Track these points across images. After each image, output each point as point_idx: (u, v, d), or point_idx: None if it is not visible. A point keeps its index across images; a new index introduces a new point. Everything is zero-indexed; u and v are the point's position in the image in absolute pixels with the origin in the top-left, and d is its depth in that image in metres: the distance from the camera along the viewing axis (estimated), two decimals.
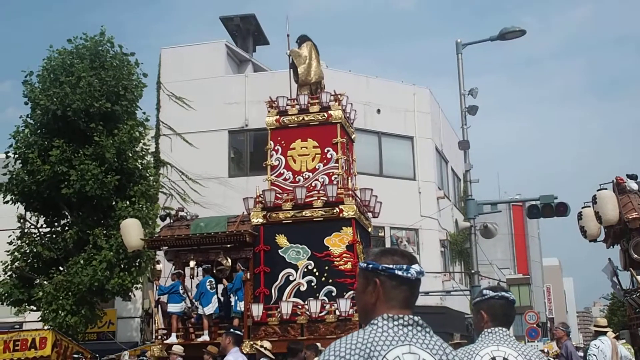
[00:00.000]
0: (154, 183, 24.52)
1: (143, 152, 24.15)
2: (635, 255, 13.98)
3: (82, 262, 21.41)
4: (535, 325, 36.09)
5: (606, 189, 14.91)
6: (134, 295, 24.41)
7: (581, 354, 17.10)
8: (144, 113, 25.02)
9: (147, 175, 24.10)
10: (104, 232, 21.98)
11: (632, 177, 14.88)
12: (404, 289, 2.64)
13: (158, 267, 16.65)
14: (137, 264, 22.44)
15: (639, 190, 14.55)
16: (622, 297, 16.27)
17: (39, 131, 22.87)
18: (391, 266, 2.63)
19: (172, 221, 16.36)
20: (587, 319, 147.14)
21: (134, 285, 22.78)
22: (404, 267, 2.62)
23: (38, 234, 23.29)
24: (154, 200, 24.21)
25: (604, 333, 13.30)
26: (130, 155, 23.16)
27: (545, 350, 33.50)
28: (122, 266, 21.96)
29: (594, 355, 12.80)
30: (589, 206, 15.14)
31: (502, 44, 21.22)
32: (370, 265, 2.66)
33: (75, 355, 18.86)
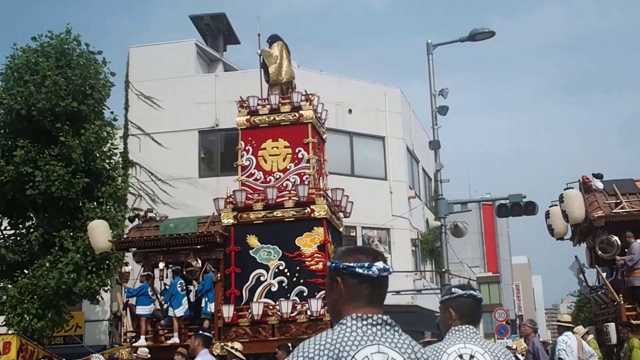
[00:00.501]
0: (123, 184, 24.21)
1: (111, 153, 23.81)
2: (601, 253, 14.18)
3: (48, 264, 21.06)
4: (504, 323, 36.44)
5: (573, 188, 15.12)
6: (102, 298, 24.08)
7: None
8: (112, 113, 24.69)
9: (115, 175, 23.78)
10: (71, 234, 21.63)
11: (598, 176, 15.12)
12: (367, 286, 2.61)
13: (126, 269, 16.45)
14: (105, 266, 22.12)
15: (605, 189, 14.76)
16: (588, 293, 16.47)
17: (2, 131, 22.45)
18: (352, 264, 2.61)
19: (141, 222, 16.18)
20: (555, 315, 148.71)
21: (102, 288, 22.48)
22: (366, 264, 2.60)
23: (2, 237, 22.87)
24: (122, 201, 23.90)
25: (569, 329, 13.51)
26: (98, 155, 22.82)
27: (514, 347, 33.79)
28: (90, 268, 21.65)
29: (563, 350, 12.92)
30: (556, 205, 15.33)
31: (473, 43, 21.26)
32: (333, 265, 2.66)
33: None
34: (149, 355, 14.27)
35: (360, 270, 2.59)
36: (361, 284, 2.61)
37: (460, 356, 3.66)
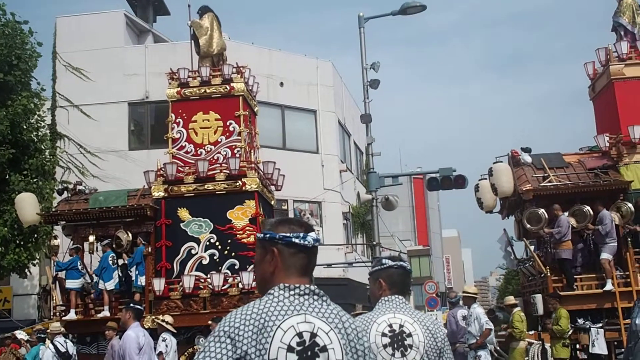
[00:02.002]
0: (51, 156, 23.73)
1: (38, 124, 23.28)
2: (529, 226, 14.51)
3: None
4: (434, 295, 37.12)
5: (502, 162, 15.40)
6: (30, 272, 23.66)
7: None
8: (39, 84, 24.10)
9: (43, 148, 23.28)
10: None
11: (526, 150, 15.40)
12: (302, 256, 2.65)
13: (55, 242, 16.25)
14: (33, 239, 21.73)
15: (533, 163, 15.07)
16: (515, 266, 16.92)
17: None
18: (288, 234, 2.64)
19: (69, 195, 15.97)
20: (485, 288, 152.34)
21: (31, 262, 22.10)
22: (301, 235, 2.64)
23: None
24: (50, 174, 23.44)
25: (475, 299, 14.23)
26: (25, 127, 22.28)
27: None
28: (18, 242, 21.24)
29: (486, 321, 13.44)
30: (486, 179, 15.63)
31: (405, 19, 21.46)
32: (268, 235, 2.67)
33: None
34: (62, 329, 14.22)
35: (297, 240, 2.63)
36: (297, 254, 2.64)
37: (390, 325, 3.74)
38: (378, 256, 21.78)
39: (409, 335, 3.73)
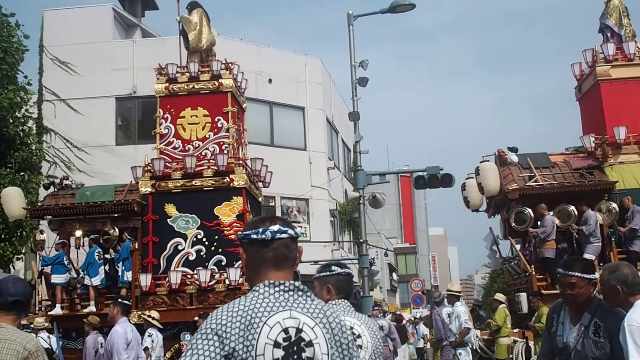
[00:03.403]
0: (37, 151, 23.61)
1: (25, 118, 23.16)
2: (515, 225, 14.59)
3: None
4: (420, 293, 37.25)
5: (489, 161, 15.48)
6: (14, 267, 23.55)
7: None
8: (26, 77, 23.98)
9: (29, 142, 23.16)
10: None
11: (513, 149, 15.48)
12: (266, 251, 2.70)
13: (41, 236, 16.18)
14: (18, 233, 21.63)
15: (519, 163, 15.16)
16: (501, 264, 17.00)
17: None
18: (248, 232, 2.71)
19: (56, 190, 15.92)
20: (470, 286, 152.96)
21: (16, 256, 22.00)
22: (260, 230, 2.69)
23: None
24: (36, 168, 23.34)
25: (459, 298, 14.52)
26: (11, 121, 22.15)
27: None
28: (3, 236, 21.14)
29: (465, 319, 13.58)
30: (473, 177, 15.70)
31: (394, 17, 21.50)
32: (237, 236, 2.80)
33: None
34: (47, 324, 14.19)
35: (255, 236, 2.68)
36: (261, 250, 2.69)
37: None
38: (366, 254, 21.93)
39: (359, 336, 4.02)
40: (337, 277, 4.25)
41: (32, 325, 14.61)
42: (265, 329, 2.51)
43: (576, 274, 4.73)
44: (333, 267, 4.30)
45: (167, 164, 14.96)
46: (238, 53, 21.87)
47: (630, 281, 4.48)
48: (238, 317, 2.52)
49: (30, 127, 23.90)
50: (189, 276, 14.31)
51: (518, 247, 15.52)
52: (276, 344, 2.51)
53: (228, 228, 14.66)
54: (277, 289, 2.63)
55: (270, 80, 29.34)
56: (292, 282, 2.67)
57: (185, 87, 15.51)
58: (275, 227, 2.69)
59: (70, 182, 16.22)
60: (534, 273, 14.31)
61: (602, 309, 4.71)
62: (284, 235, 2.70)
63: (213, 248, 14.60)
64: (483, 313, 15.91)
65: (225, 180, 14.76)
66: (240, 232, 2.77)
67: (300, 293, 2.67)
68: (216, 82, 15.45)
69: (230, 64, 15.80)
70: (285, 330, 2.54)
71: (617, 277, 4.51)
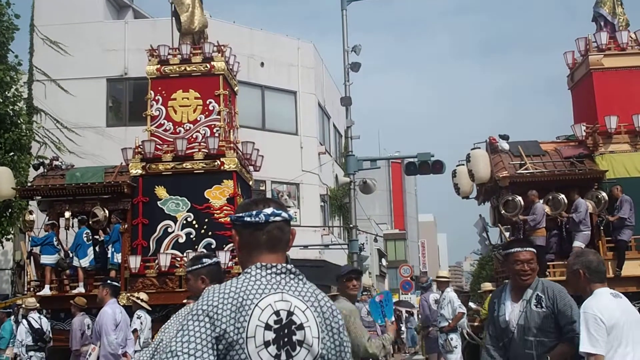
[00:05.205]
0: (27, 131, 23.47)
1: (15, 98, 23.00)
2: (504, 212, 14.63)
3: None
4: (409, 279, 37.39)
5: (480, 148, 15.51)
6: (3, 247, 23.49)
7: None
8: (17, 57, 23.78)
9: (19, 122, 23.03)
10: None
11: (504, 137, 15.50)
12: (259, 234, 2.68)
13: (31, 217, 16.13)
14: (7, 214, 21.56)
15: (510, 150, 15.19)
16: (490, 251, 17.07)
17: None
18: (241, 214, 2.70)
19: (45, 170, 15.85)
20: (459, 273, 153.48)
21: (5, 236, 21.93)
22: (253, 212, 2.68)
23: None
24: (26, 149, 23.21)
25: (448, 284, 14.55)
26: (1, 100, 22.02)
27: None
28: None
29: (459, 305, 13.60)
30: (463, 164, 15.72)
31: (388, 1, 21.45)
32: (229, 219, 2.74)
33: None
34: (38, 305, 14.19)
35: (248, 219, 2.67)
36: (254, 232, 2.68)
37: None
38: (356, 240, 22.00)
39: None
40: (208, 268, 4.85)
41: (23, 306, 14.58)
42: (256, 311, 2.50)
43: (531, 249, 5.20)
44: (204, 260, 4.88)
45: (157, 146, 14.92)
46: (230, 36, 21.81)
47: (593, 267, 4.64)
48: (229, 299, 2.51)
49: (21, 107, 23.73)
50: (179, 259, 14.31)
51: (507, 234, 15.56)
52: (267, 327, 2.50)
53: (218, 211, 14.65)
54: (269, 271, 2.62)
55: (262, 64, 29.24)
56: (284, 264, 2.66)
57: (177, 69, 15.45)
58: (268, 210, 2.68)
59: (60, 163, 16.16)
60: None
61: (542, 283, 5.13)
62: (277, 218, 2.69)
63: (203, 231, 14.60)
64: (473, 305, 16.06)
65: (216, 163, 14.74)
66: (233, 215, 2.75)
67: (292, 276, 2.66)
68: (208, 65, 15.39)
69: (222, 47, 15.74)
70: (277, 313, 2.53)
71: (582, 261, 4.68)
